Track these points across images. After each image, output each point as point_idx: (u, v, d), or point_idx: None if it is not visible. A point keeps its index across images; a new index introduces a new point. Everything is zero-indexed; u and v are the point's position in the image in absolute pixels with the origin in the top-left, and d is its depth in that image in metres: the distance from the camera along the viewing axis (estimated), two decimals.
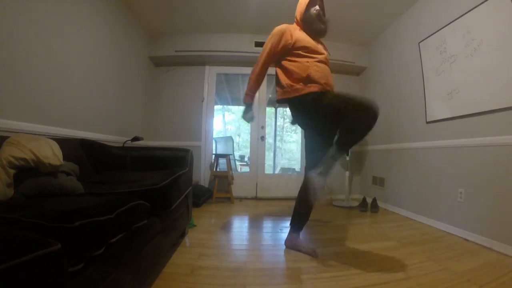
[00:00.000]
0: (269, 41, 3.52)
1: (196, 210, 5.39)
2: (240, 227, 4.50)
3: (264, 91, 7.36)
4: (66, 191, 2.25)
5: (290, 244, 3.56)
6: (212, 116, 7.33)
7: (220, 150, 9.13)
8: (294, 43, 3.42)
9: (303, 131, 4.14)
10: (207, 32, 6.79)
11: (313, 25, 3.59)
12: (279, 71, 3.57)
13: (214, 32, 6.79)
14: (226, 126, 15.57)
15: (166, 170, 3.36)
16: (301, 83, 3.30)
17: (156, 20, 6.27)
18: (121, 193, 2.33)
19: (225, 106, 14.27)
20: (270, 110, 9.72)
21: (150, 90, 7.02)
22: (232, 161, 8.42)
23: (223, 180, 6.86)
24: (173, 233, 3.02)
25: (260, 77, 3.64)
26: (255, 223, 4.71)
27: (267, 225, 4.64)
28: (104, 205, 1.78)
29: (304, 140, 3.84)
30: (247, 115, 3.80)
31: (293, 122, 3.68)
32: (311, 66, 3.33)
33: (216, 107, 7.56)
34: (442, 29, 4.68)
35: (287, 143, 14.99)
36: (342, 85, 7.42)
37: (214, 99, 7.39)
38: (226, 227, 4.42)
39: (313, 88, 3.22)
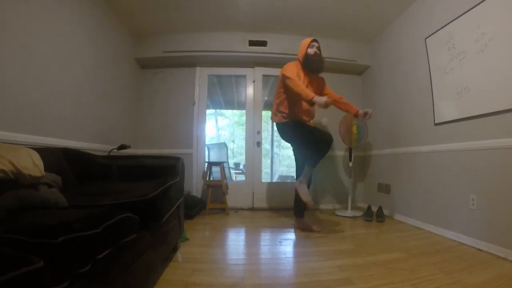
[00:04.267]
0: (289, 69, 4.78)
1: (188, 223, 5.38)
2: (236, 240, 4.50)
3: (260, 94, 7.38)
4: (48, 204, 2.24)
5: (298, 226, 5.10)
6: (204, 121, 7.33)
7: (213, 158, 9.13)
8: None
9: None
10: (197, 30, 6.80)
11: (313, 64, 4.92)
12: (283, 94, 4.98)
13: (204, 30, 6.80)
14: (219, 131, 15.57)
15: (156, 180, 3.35)
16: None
17: (142, 18, 6.26)
18: (108, 206, 2.33)
19: (217, 110, 14.28)
20: (266, 114, 9.72)
21: (137, 95, 7.04)
22: (226, 169, 8.40)
23: (217, 190, 6.80)
24: (164, 248, 3.01)
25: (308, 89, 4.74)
26: (252, 236, 4.70)
27: (265, 237, 4.63)
28: (90, 219, 1.78)
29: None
30: (323, 100, 4.20)
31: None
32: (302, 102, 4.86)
33: (208, 111, 7.58)
34: (450, 24, 4.66)
35: (285, 149, 14.97)
36: (343, 86, 7.44)
37: (206, 102, 7.40)
38: (221, 240, 4.42)
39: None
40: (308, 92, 4.31)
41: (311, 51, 4.94)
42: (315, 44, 5.02)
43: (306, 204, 4.76)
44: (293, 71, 4.69)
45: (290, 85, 4.53)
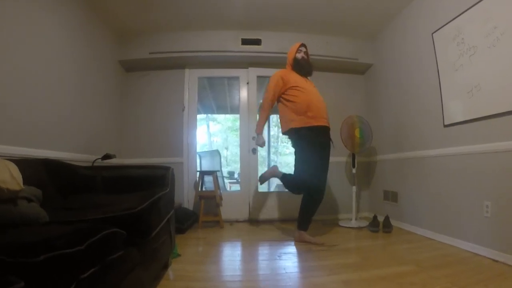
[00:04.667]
0: (272, 82, 5.35)
1: (180, 237, 5.37)
2: (232, 255, 4.49)
3: (255, 96, 7.40)
4: (27, 220, 2.24)
5: (299, 239, 5.09)
6: (195, 127, 7.35)
7: (206, 167, 9.13)
8: (290, 83, 5.20)
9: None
10: (186, 29, 6.82)
11: (302, 68, 5.39)
12: (281, 103, 5.40)
13: (194, 29, 6.81)
14: (211, 138, 15.58)
15: (144, 191, 3.35)
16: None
17: (126, 17, 6.25)
18: (92, 220, 2.32)
19: (209, 115, 14.30)
20: None
21: (121, 100, 7.03)
22: (220, 179, 8.41)
23: (210, 201, 6.79)
24: (154, 265, 3.00)
25: (266, 114, 5.41)
26: (249, 250, 4.70)
27: (263, 251, 4.63)
28: (73, 235, 1.77)
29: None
30: (260, 142, 5.51)
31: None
32: (309, 93, 5.21)
33: (199, 116, 7.60)
34: (459, 17, 4.64)
35: (283, 155, 15.01)
36: (344, 86, 7.46)
37: (197, 107, 7.40)
38: (215, 255, 4.41)
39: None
40: (260, 125, 5.43)
41: (299, 55, 5.44)
42: (303, 49, 5.51)
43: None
44: (273, 89, 5.27)
45: (261, 107, 5.42)
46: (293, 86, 5.14)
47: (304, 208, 5.10)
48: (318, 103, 5.12)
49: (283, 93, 5.21)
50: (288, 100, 5.15)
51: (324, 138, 5.07)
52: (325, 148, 5.05)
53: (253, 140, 7.19)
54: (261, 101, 7.24)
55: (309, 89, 5.19)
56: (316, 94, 5.23)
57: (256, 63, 7.27)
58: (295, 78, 5.24)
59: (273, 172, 5.66)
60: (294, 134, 5.09)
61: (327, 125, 5.13)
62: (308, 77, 5.54)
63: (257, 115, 5.41)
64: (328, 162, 5.08)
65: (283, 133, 5.39)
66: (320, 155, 4.97)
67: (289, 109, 5.13)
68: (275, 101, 5.33)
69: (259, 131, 5.41)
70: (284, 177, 5.43)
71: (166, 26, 6.65)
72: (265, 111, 5.33)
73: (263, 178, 5.71)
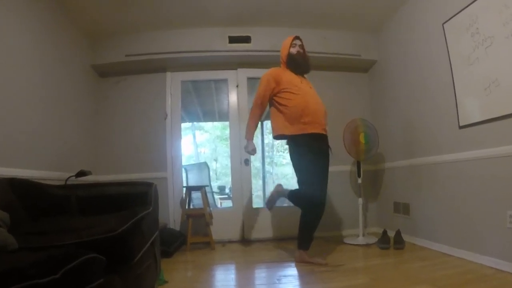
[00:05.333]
0: (262, 82, 5.28)
1: (166, 262, 5.36)
2: (225, 280, 4.49)
3: (245, 101, 7.43)
4: None
5: (300, 260, 5.01)
6: (179, 137, 7.36)
7: (193, 181, 9.15)
8: (283, 85, 5.16)
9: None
10: (166, 28, 6.83)
11: (297, 65, 5.32)
12: (274, 106, 5.36)
13: (175, 27, 6.83)
14: (198, 149, 15.59)
15: (124, 211, 3.34)
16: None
17: (98, 17, 6.24)
18: (68, 246, 2.32)
19: (195, 123, 14.29)
20: None
21: (96, 109, 7.01)
22: (209, 195, 8.41)
23: (199, 220, 6.74)
24: None
25: (256, 117, 5.40)
26: (245, 274, 4.70)
27: (260, 275, 4.63)
28: (46, 263, 1.77)
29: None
30: (249, 149, 5.43)
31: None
32: (305, 94, 5.16)
33: (183, 125, 7.61)
34: (472, 4, 4.61)
35: (279, 166, 15.02)
36: (346, 86, 7.49)
37: (181, 114, 7.42)
38: (206, 281, 4.41)
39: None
40: (250, 130, 5.40)
41: (293, 50, 5.37)
42: (297, 42, 5.44)
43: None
44: (264, 91, 5.24)
45: (251, 112, 5.44)
46: (286, 88, 5.10)
47: (304, 225, 5.06)
48: (315, 106, 5.08)
49: (276, 95, 5.17)
50: (280, 104, 5.12)
51: (321, 145, 5.07)
52: (324, 156, 5.06)
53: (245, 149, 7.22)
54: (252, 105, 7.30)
55: (305, 90, 5.15)
56: (314, 96, 5.19)
57: (246, 63, 7.29)
58: (289, 78, 5.19)
59: (278, 191, 5.65)
60: (289, 140, 5.13)
61: (324, 133, 5.13)
62: (305, 76, 5.49)
63: (248, 120, 5.40)
64: (327, 171, 5.06)
65: (274, 137, 5.41)
66: (319, 163, 4.95)
67: (282, 114, 5.12)
68: (267, 103, 5.31)
69: (249, 137, 5.37)
70: (292, 195, 5.33)
71: (144, 25, 6.65)
72: (255, 115, 5.32)
73: (271, 203, 5.77)
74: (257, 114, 5.31)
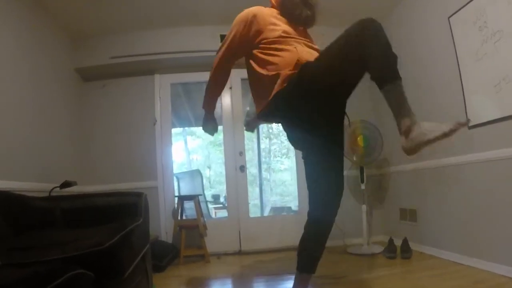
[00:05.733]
0: (232, 29, 3.68)
1: (158, 276, 5.36)
2: None
3: (240, 104, 7.43)
4: None
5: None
6: (170, 143, 7.37)
7: (185, 190, 9.14)
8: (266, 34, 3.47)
9: (301, 153, 3.72)
10: (153, 27, 6.83)
11: (295, 11, 3.67)
12: (253, 66, 3.62)
13: (163, 26, 6.83)
14: (190, 156, 15.57)
15: (112, 224, 3.35)
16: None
17: (80, 16, 6.22)
18: (53, 261, 2.33)
19: (186, 128, 14.27)
20: None
21: (80, 115, 6.98)
22: (202, 204, 8.40)
23: (192, 232, 6.72)
24: None
25: (218, 78, 3.99)
26: None
27: None
28: (31, 280, 1.78)
29: (304, 166, 3.67)
30: (208, 126, 4.33)
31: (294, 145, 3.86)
32: (301, 51, 3.33)
33: (174, 130, 7.61)
34: None
35: (277, 172, 14.99)
36: None
37: (171, 120, 7.43)
38: None
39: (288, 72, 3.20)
40: (208, 96, 4.21)
41: None
42: None
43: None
44: (243, 19, 3.62)
45: (212, 69, 3.91)
46: (275, 36, 3.42)
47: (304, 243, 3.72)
48: None
49: (255, 45, 3.55)
50: (265, 60, 3.43)
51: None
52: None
53: (241, 157, 7.20)
54: (248, 108, 7.21)
55: (303, 44, 3.50)
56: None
57: (240, 63, 7.11)
58: (279, 23, 3.54)
59: None
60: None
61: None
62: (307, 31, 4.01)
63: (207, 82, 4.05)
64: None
65: (259, 116, 3.70)
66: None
67: (266, 75, 3.36)
68: (236, 55, 3.84)
69: (208, 106, 4.25)
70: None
71: (130, 24, 6.65)
72: (216, 73, 3.92)
73: None
74: (218, 71, 3.91)
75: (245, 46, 3.64)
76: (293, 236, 5.51)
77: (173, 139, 7.34)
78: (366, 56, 2.83)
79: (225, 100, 7.45)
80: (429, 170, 5.83)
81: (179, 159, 14.42)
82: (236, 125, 7.30)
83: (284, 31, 3.45)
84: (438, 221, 5.63)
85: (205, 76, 7.33)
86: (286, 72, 3.18)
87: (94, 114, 7.16)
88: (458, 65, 5.05)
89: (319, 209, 3.40)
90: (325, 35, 6.67)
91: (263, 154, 13.05)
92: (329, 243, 6.64)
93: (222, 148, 7.56)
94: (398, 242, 5.99)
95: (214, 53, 6.58)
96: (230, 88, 7.38)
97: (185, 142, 15.01)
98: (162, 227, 7.01)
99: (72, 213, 3.88)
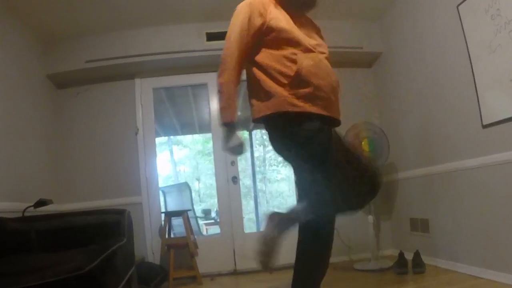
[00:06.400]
0: (236, 21, 3.47)
1: None
2: None
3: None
4: None
5: None
6: (154, 154, 7.35)
7: (173, 206, 9.12)
8: (269, 23, 3.37)
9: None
10: (132, 27, 6.80)
11: None
12: (255, 72, 3.51)
13: (142, 25, 6.80)
14: (177, 167, 15.56)
15: (93, 245, 3.34)
16: (288, 88, 3.19)
17: (52, 17, 6.17)
18: None
19: (172, 137, 14.26)
20: (242, 136, 9.78)
21: (54, 126, 6.94)
22: (192, 220, 8.40)
23: (182, 251, 6.70)
24: None
25: (235, 77, 3.51)
26: None
27: None
28: None
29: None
30: (233, 144, 3.48)
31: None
32: (301, 59, 3.21)
33: (158, 140, 7.59)
34: None
35: (273, 182, 15.00)
36: (346, 84, 7.44)
37: (154, 128, 7.42)
38: None
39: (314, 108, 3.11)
40: (228, 105, 3.42)
41: None
42: None
43: (263, 265, 3.58)
44: (248, 13, 3.45)
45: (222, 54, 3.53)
46: (282, 31, 3.34)
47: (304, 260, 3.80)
48: (326, 71, 3.38)
49: (263, 40, 3.46)
50: (254, 67, 3.52)
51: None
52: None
53: (233, 167, 7.17)
54: (240, 112, 7.23)
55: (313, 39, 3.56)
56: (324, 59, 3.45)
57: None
58: (281, 16, 3.43)
59: (273, 222, 3.61)
60: (287, 123, 3.27)
61: (338, 117, 3.53)
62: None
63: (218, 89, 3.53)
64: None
65: (255, 121, 3.58)
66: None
67: (272, 75, 3.33)
68: (247, 53, 3.55)
69: (229, 117, 3.40)
70: (296, 214, 3.63)
71: (106, 25, 6.63)
72: (232, 74, 3.47)
73: (267, 248, 3.66)
74: (235, 72, 3.50)
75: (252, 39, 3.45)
76: (292, 252, 5.49)
77: (157, 149, 7.33)
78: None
79: (214, 105, 7.40)
80: (441, 176, 5.77)
81: (164, 171, 14.43)
82: None
83: (283, 20, 3.39)
84: (453, 231, 5.59)
85: (190, 78, 7.39)
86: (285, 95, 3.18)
87: (70, 124, 7.12)
88: (470, 58, 4.99)
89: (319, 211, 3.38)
90: (321, 29, 6.69)
91: (257, 163, 13.06)
92: (334, 259, 6.70)
93: (212, 157, 7.55)
94: (409, 256, 5.95)
95: (200, 53, 6.62)
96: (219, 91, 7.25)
97: (171, 153, 15.02)
98: (149, 247, 6.97)
99: (48, 235, 3.87)
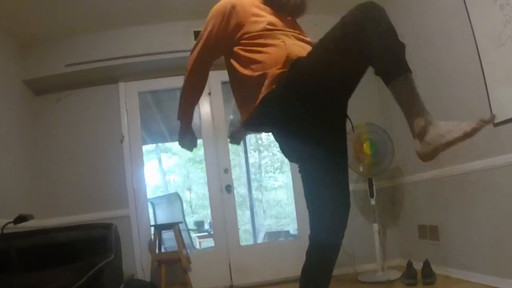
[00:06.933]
0: (208, 24, 3.42)
1: None
2: None
3: (221, 111, 7.42)
4: None
5: None
6: (142, 163, 7.35)
7: (163, 218, 9.11)
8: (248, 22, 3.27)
9: (299, 168, 3.53)
10: (114, 27, 6.79)
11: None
12: (235, 66, 3.42)
13: (125, 25, 6.80)
14: (166, 177, 15.54)
15: (78, 262, 3.34)
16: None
17: (28, 19, 6.14)
18: None
19: (160, 144, 14.25)
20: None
21: (34, 136, 6.90)
22: (184, 233, 8.38)
23: (173, 267, 6.67)
24: None
25: (194, 82, 3.68)
26: None
27: None
28: None
29: (301, 182, 3.51)
30: (185, 141, 3.93)
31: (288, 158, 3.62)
32: (290, 45, 3.15)
33: (145, 148, 7.58)
34: None
35: (270, 191, 14.97)
36: None
37: (141, 135, 7.41)
38: None
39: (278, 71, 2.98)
40: (185, 108, 3.85)
41: None
42: None
43: None
44: (220, 11, 3.34)
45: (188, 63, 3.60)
46: (259, 29, 3.23)
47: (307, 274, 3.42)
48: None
49: (236, 41, 3.35)
50: (248, 59, 3.27)
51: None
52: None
53: (226, 175, 7.16)
54: (231, 116, 7.21)
55: (293, 37, 3.32)
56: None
57: (218, 64, 6.94)
58: (263, 14, 3.37)
59: None
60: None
61: None
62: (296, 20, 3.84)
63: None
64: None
65: (244, 125, 3.54)
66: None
67: (251, 76, 3.20)
68: (214, 54, 3.65)
69: (184, 117, 3.91)
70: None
71: (87, 26, 6.60)
72: (191, 76, 3.65)
73: None
74: (196, 79, 3.71)
75: (224, 43, 3.41)
76: (294, 265, 5.48)
77: (145, 158, 7.32)
78: (367, 48, 2.70)
79: (204, 108, 7.43)
80: (450, 178, 5.76)
81: (153, 181, 14.40)
82: (218, 137, 7.27)
83: (269, 23, 3.25)
84: (465, 238, 5.57)
85: (178, 81, 7.23)
86: (274, 71, 2.99)
87: (50, 133, 7.08)
88: (478, 51, 4.95)
89: (323, 232, 3.22)
90: (318, 24, 6.72)
91: (252, 170, 13.03)
92: (337, 271, 6.60)
93: (204, 165, 7.54)
94: (418, 266, 5.93)
95: (188, 54, 6.53)
96: (209, 94, 7.38)
97: (159, 161, 14.98)
98: (138, 263, 6.96)
99: (30, 253, 3.85)
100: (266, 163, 14.44)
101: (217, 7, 3.39)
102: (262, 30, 3.22)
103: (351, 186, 5.54)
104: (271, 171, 14.75)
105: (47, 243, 3.91)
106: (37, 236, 4.01)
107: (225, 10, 3.31)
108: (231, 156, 7.32)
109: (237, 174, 10.74)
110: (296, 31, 3.46)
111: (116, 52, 6.77)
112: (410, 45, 6.09)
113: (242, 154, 11.15)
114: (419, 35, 6.19)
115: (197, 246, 11.02)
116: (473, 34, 4.99)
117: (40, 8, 5.92)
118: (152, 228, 6.94)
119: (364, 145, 6.24)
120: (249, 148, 11.86)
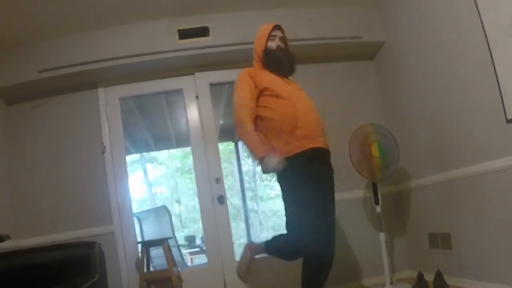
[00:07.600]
0: (241, 86, 4.76)
1: None
2: None
3: (210, 115, 7.38)
4: None
5: None
6: (126, 175, 7.30)
7: (150, 234, 9.10)
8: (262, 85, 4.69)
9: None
10: (92, 27, 6.74)
11: (278, 64, 4.92)
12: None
13: (104, 25, 6.75)
14: (152, 189, 15.52)
15: (61, 284, 3.34)
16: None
17: None
18: None
19: (144, 154, 14.22)
20: (226, 148, 9.78)
21: (7, 149, 6.88)
22: (174, 249, 8.38)
23: (163, 286, 6.61)
24: None
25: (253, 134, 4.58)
26: None
27: None
28: None
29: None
30: (268, 166, 4.47)
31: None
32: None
33: (129, 158, 7.56)
34: None
35: (266, 200, 14.95)
36: (345, 81, 7.46)
37: (124, 144, 7.39)
38: None
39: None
40: (259, 146, 4.50)
41: (272, 45, 5.03)
42: (278, 33, 5.10)
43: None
44: (245, 91, 4.74)
45: (238, 125, 4.68)
46: (266, 90, 4.69)
47: (307, 281, 4.57)
48: (309, 113, 4.66)
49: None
50: (261, 116, 4.73)
51: (323, 166, 4.66)
52: (327, 182, 4.66)
53: (218, 184, 7.15)
54: (221, 121, 7.27)
55: (292, 92, 4.76)
56: (306, 101, 4.81)
57: (206, 64, 7.24)
58: (269, 78, 4.80)
59: (252, 251, 5.31)
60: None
61: (326, 146, 4.71)
62: (290, 77, 5.15)
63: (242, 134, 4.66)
64: (333, 204, 4.64)
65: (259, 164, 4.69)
66: (322, 194, 4.45)
67: (264, 129, 4.76)
68: (255, 104, 4.76)
69: (262, 151, 4.48)
70: (271, 246, 5.16)
71: (62, 27, 6.54)
72: (246, 121, 4.58)
73: (242, 271, 5.39)
74: (247, 118, 4.61)
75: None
76: (293, 279, 5.48)
77: (129, 169, 7.30)
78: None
79: (192, 113, 7.40)
80: (462, 181, 5.70)
81: (138, 194, 14.38)
82: (208, 143, 7.24)
83: (269, 83, 4.69)
84: (480, 246, 5.51)
85: (162, 84, 7.38)
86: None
87: (25, 145, 7.02)
88: (488, 44, 4.92)
89: (317, 249, 4.23)
90: (314, 19, 6.80)
91: (246, 178, 13.03)
92: (342, 286, 6.70)
93: (193, 175, 7.52)
94: (430, 277, 5.90)
95: (172, 54, 6.61)
96: (197, 97, 7.35)
97: (145, 172, 14.96)
98: (125, 283, 6.88)
99: (7, 276, 3.85)
100: (260, 170, 14.23)
101: (239, 77, 4.92)
102: (266, 90, 4.76)
103: (357, 194, 5.71)
104: (266, 179, 14.70)
105: (26, 265, 3.91)
106: (15, 258, 4.02)
107: (245, 75, 4.86)
108: (223, 164, 7.32)
109: (230, 183, 10.75)
110: (292, 86, 4.95)
111: (94, 55, 6.71)
112: (416, 42, 6.22)
113: (235, 162, 11.14)
114: (422, 27, 6.20)
115: (189, 263, 11.02)
116: (482, 26, 4.97)
117: (9, 10, 5.86)
118: (139, 245, 6.90)
119: (372, 147, 6.16)
120: (242, 155, 11.85)
